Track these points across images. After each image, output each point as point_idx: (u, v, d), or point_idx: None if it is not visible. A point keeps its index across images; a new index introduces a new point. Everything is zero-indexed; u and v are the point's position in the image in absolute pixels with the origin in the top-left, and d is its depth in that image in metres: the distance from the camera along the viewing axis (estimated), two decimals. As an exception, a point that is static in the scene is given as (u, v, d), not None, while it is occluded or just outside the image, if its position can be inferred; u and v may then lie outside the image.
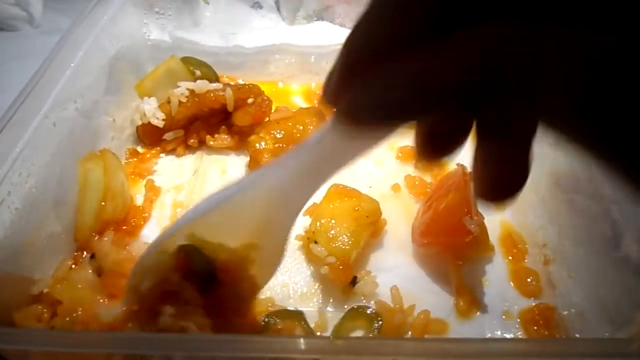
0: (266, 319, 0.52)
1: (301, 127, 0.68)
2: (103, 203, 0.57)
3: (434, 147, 0.25)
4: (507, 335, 0.53)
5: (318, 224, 0.56)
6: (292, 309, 0.54)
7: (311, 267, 0.58)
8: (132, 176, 0.68)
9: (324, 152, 0.31)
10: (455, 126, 0.23)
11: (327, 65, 0.91)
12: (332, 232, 0.56)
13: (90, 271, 0.50)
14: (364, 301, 0.55)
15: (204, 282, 0.45)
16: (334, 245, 0.55)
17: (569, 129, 0.19)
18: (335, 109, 0.22)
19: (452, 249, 0.59)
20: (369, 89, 0.20)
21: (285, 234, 0.41)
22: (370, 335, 0.51)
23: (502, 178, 0.24)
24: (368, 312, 0.53)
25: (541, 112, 0.19)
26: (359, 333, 0.52)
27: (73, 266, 0.55)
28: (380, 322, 0.52)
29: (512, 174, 0.24)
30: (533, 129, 0.22)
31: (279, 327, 0.51)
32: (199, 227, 0.41)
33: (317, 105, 0.77)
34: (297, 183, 0.35)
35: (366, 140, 0.28)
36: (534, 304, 0.56)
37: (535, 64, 0.17)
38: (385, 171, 0.70)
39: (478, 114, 0.21)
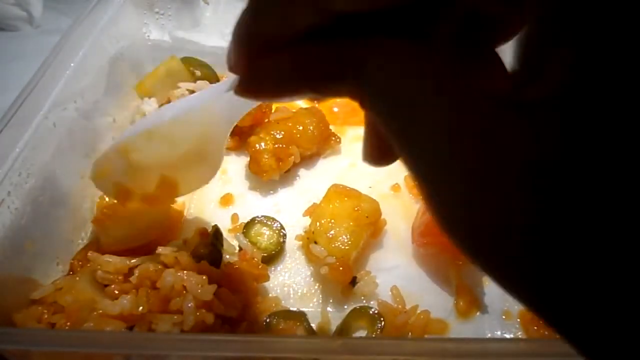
0: (268, 320, 0.52)
1: (301, 127, 0.68)
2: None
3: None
4: (507, 335, 0.53)
5: (318, 224, 0.56)
6: (293, 309, 0.54)
7: (311, 267, 0.58)
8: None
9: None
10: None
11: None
12: (332, 232, 0.56)
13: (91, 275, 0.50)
14: (364, 301, 0.55)
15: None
16: (333, 245, 0.55)
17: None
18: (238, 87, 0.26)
19: (452, 249, 0.58)
20: (259, 73, 0.24)
21: (222, 142, 0.50)
22: (373, 336, 0.51)
23: (380, 150, 0.28)
24: (370, 312, 0.53)
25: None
26: (361, 333, 0.52)
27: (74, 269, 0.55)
28: (383, 323, 0.52)
29: (383, 153, 0.28)
30: None
31: (281, 327, 0.51)
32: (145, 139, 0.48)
33: (317, 105, 0.77)
34: (226, 105, 0.43)
35: None
36: (534, 304, 0.56)
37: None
38: (385, 171, 0.70)
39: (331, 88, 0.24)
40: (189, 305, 0.45)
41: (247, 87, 0.25)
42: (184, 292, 0.46)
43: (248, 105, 0.44)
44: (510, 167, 0.17)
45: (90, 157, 0.63)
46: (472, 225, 0.18)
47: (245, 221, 0.62)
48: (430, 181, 0.20)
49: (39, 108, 0.53)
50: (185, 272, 0.47)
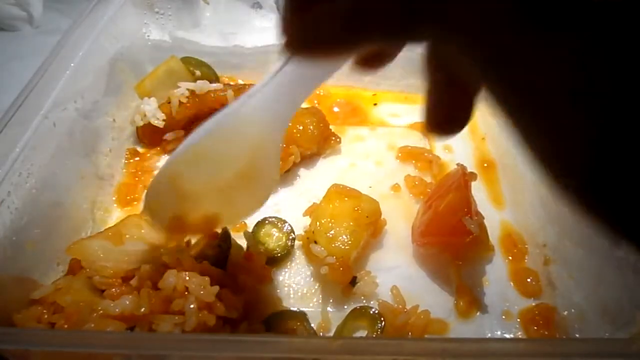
0: (268, 320, 0.52)
1: (301, 127, 0.68)
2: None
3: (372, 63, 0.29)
4: (507, 335, 0.53)
5: (318, 224, 0.56)
6: (294, 309, 0.54)
7: (311, 267, 0.58)
8: (134, 176, 0.68)
9: (291, 78, 0.35)
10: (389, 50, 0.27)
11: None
12: (332, 232, 0.56)
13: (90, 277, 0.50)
14: (364, 301, 0.55)
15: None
16: (333, 245, 0.55)
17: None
18: (289, 43, 0.24)
19: (452, 249, 0.59)
20: (314, 22, 0.23)
21: (277, 149, 0.44)
22: (374, 336, 0.51)
23: (449, 116, 0.27)
24: (370, 312, 0.53)
25: (454, 30, 0.21)
26: (361, 333, 0.52)
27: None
28: (383, 323, 0.52)
29: (457, 113, 0.27)
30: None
31: (282, 327, 0.51)
32: (191, 161, 0.42)
33: (317, 105, 0.78)
34: (275, 105, 0.38)
35: (325, 67, 0.33)
36: (534, 304, 0.56)
37: None
38: (385, 171, 0.70)
39: (406, 37, 0.23)
40: (191, 306, 0.45)
41: (302, 39, 0.23)
42: (186, 293, 0.46)
43: (298, 98, 0.39)
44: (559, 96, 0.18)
45: (90, 157, 0.63)
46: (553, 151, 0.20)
47: (246, 221, 0.62)
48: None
49: (39, 108, 0.53)
50: (187, 273, 0.47)
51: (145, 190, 0.48)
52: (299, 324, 0.52)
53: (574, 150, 0.19)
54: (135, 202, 0.65)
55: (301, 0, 0.23)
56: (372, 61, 0.30)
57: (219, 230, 0.54)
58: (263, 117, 0.39)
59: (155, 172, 0.67)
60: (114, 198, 0.65)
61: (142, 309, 0.45)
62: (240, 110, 0.38)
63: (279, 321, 0.52)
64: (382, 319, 0.52)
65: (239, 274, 0.52)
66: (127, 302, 0.45)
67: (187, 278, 0.47)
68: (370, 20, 0.21)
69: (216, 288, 0.47)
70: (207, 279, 0.48)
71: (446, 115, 0.27)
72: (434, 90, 0.26)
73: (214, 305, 0.47)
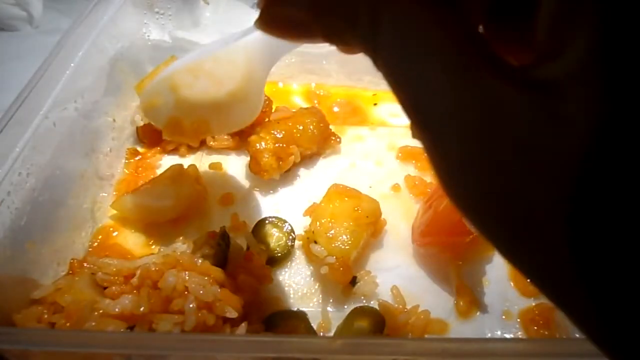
0: (269, 319, 0.52)
1: (301, 127, 0.68)
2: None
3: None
4: (507, 335, 0.53)
5: (318, 224, 0.56)
6: (294, 309, 0.54)
7: (311, 267, 0.58)
8: (134, 176, 0.68)
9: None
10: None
11: (327, 65, 0.91)
12: (332, 232, 0.56)
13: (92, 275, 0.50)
14: (364, 301, 0.55)
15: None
16: (333, 245, 0.55)
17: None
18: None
19: (452, 249, 0.59)
20: (277, 12, 0.25)
21: (262, 83, 0.53)
22: (374, 336, 0.51)
23: None
24: (371, 312, 0.53)
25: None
26: (361, 333, 0.52)
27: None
28: (383, 323, 0.52)
29: None
30: None
31: (282, 327, 0.51)
32: (186, 74, 0.50)
33: (317, 105, 0.78)
34: (263, 46, 0.48)
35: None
36: (534, 304, 0.56)
37: None
38: (385, 171, 0.70)
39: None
40: (190, 305, 0.45)
41: (266, 24, 0.25)
42: (186, 292, 0.46)
43: (285, 48, 0.49)
44: (532, 152, 0.16)
45: (90, 157, 0.63)
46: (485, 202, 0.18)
47: (246, 221, 0.62)
48: (444, 162, 0.19)
49: (39, 108, 0.53)
50: (187, 272, 0.47)
51: (144, 88, 0.55)
52: (299, 323, 0.52)
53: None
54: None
55: None
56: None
57: (217, 230, 0.55)
58: (254, 52, 0.48)
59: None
60: (114, 197, 0.65)
61: (142, 308, 0.45)
62: (236, 44, 0.47)
63: (279, 321, 0.52)
64: (382, 319, 0.52)
65: (239, 274, 0.52)
66: (127, 302, 0.45)
67: (187, 277, 0.47)
68: (323, 21, 0.23)
69: (216, 288, 0.47)
70: (207, 278, 0.48)
71: None
72: None
73: (214, 305, 0.47)
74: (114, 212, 0.63)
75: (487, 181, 0.17)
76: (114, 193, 0.66)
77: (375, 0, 0.20)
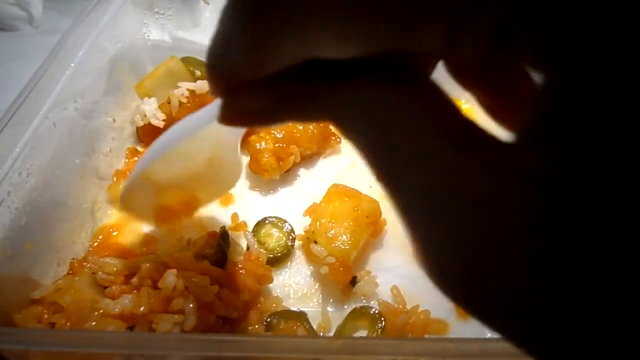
0: (269, 319, 0.52)
1: (301, 127, 0.68)
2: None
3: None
4: (507, 335, 0.53)
5: (318, 224, 0.56)
6: (294, 309, 0.54)
7: (311, 267, 0.58)
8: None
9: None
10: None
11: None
12: (332, 232, 0.56)
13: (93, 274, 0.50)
14: (364, 301, 0.55)
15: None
16: (333, 245, 0.55)
17: None
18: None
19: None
20: (238, 106, 0.24)
21: (236, 144, 0.52)
22: (374, 336, 0.51)
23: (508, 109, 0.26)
24: (371, 312, 0.53)
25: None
26: (361, 333, 0.52)
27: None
28: (383, 323, 0.52)
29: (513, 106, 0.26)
30: None
31: (282, 327, 0.51)
32: (156, 168, 0.50)
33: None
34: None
35: None
36: (534, 304, 0.56)
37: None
38: (385, 171, 0.70)
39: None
40: (190, 305, 0.45)
41: (229, 119, 0.25)
42: (186, 292, 0.46)
43: None
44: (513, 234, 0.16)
45: (90, 157, 0.63)
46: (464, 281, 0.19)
47: (246, 220, 0.62)
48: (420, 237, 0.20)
49: (39, 108, 0.53)
50: (187, 272, 0.47)
51: (120, 193, 0.54)
52: (299, 323, 0.52)
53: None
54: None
55: (224, 82, 0.23)
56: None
57: (217, 230, 0.55)
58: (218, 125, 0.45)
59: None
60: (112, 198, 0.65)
61: (142, 308, 0.45)
62: (195, 119, 0.43)
63: (279, 321, 0.52)
64: (383, 319, 0.52)
65: (239, 274, 0.52)
66: (127, 302, 0.45)
67: (187, 277, 0.47)
68: (288, 109, 0.23)
69: (216, 287, 0.47)
70: (207, 278, 0.48)
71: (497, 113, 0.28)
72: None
73: (214, 304, 0.47)
74: (114, 212, 0.64)
75: (457, 257, 0.18)
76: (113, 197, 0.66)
77: (337, 92, 0.20)
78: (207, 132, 0.46)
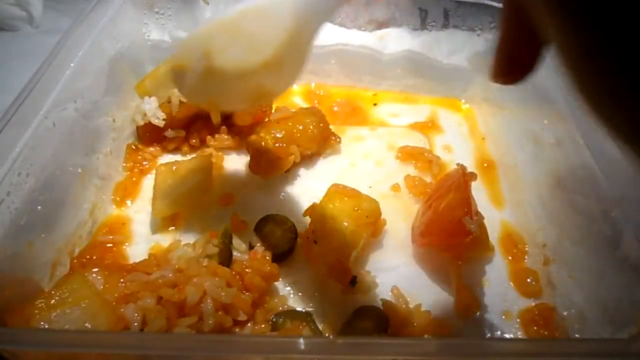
0: (274, 319, 0.52)
1: (301, 127, 0.68)
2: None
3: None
4: (507, 335, 0.53)
5: (318, 223, 0.56)
6: (297, 309, 0.54)
7: (311, 267, 0.58)
8: (134, 176, 0.68)
9: None
10: None
11: (327, 65, 0.91)
12: (332, 232, 0.55)
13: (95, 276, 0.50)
14: (364, 301, 0.55)
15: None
16: (333, 245, 0.55)
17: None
18: None
19: (452, 249, 0.59)
20: None
21: (306, 43, 0.42)
22: (374, 336, 0.51)
23: (514, 62, 0.30)
24: (375, 312, 0.53)
25: None
26: (366, 333, 0.52)
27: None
28: (387, 322, 0.52)
29: (523, 61, 0.30)
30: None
31: (287, 327, 0.51)
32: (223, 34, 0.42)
33: (317, 105, 0.78)
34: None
35: None
36: (534, 304, 0.56)
37: None
38: (385, 171, 0.70)
39: None
40: (209, 307, 0.46)
41: None
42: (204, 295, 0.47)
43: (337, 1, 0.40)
44: None
45: (90, 157, 0.63)
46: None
47: (246, 220, 0.62)
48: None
49: (39, 108, 0.53)
50: (204, 277, 0.48)
51: (171, 64, 0.47)
52: (304, 324, 0.52)
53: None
54: (134, 202, 0.65)
55: None
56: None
57: (219, 229, 0.55)
58: (302, 5, 0.39)
59: (158, 164, 0.68)
60: (112, 198, 0.65)
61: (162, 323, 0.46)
62: None
63: (284, 321, 0.52)
64: (387, 318, 0.52)
65: (245, 273, 0.52)
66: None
67: (204, 282, 0.48)
68: None
69: (233, 289, 0.48)
70: (223, 280, 0.48)
71: (513, 59, 0.30)
72: (506, 34, 0.29)
73: (230, 306, 0.47)
74: (114, 212, 0.64)
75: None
76: (113, 197, 0.66)
77: None
78: (285, 16, 0.40)
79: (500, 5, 0.31)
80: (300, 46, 0.42)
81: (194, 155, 0.71)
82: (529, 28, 0.25)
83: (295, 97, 0.81)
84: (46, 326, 0.44)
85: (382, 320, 0.52)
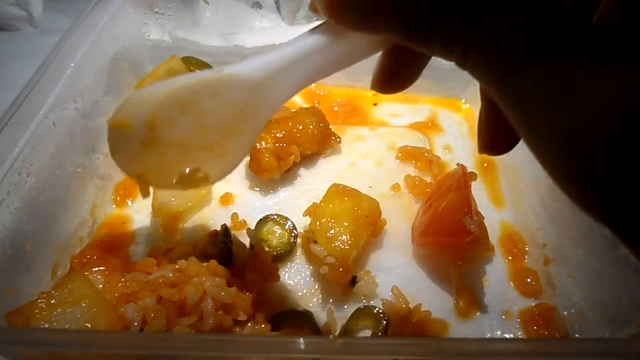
0: (274, 319, 0.52)
1: (301, 127, 0.68)
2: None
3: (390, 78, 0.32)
4: (507, 335, 0.53)
5: (318, 223, 0.56)
6: (297, 309, 0.54)
7: (311, 267, 0.58)
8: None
9: (315, 46, 0.34)
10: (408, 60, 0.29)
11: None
12: (332, 232, 0.56)
13: (96, 275, 0.50)
14: (364, 301, 0.55)
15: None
16: (333, 245, 0.55)
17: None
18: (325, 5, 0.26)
19: (452, 249, 0.59)
20: None
21: (256, 130, 0.40)
22: (379, 335, 0.51)
23: (499, 136, 0.30)
24: (375, 312, 0.53)
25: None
26: (365, 333, 0.52)
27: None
28: (387, 322, 0.52)
29: (507, 133, 0.29)
30: None
31: (287, 327, 0.51)
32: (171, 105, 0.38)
33: (317, 105, 0.78)
34: (284, 74, 0.36)
35: (356, 43, 0.33)
36: (534, 304, 0.56)
37: None
38: (385, 171, 0.70)
39: (428, 38, 0.25)
40: (209, 307, 0.46)
41: (338, 6, 0.26)
42: (204, 295, 0.47)
43: (313, 75, 0.36)
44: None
45: (90, 157, 0.63)
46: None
47: (246, 220, 0.62)
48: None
49: (39, 108, 0.53)
50: (204, 277, 0.48)
51: (111, 121, 0.42)
52: (305, 324, 0.52)
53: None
54: (135, 201, 0.65)
55: None
56: (394, 79, 0.32)
57: (219, 229, 0.55)
58: (264, 92, 0.36)
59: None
60: (113, 197, 0.65)
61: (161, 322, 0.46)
62: (251, 63, 0.35)
63: (285, 321, 0.52)
64: (387, 318, 0.52)
65: (246, 273, 0.52)
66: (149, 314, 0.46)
67: (204, 282, 0.48)
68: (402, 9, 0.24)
69: (234, 289, 0.48)
70: (223, 280, 0.48)
71: (499, 135, 0.30)
72: (487, 114, 0.30)
73: (230, 306, 0.47)
74: (114, 211, 0.64)
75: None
76: (112, 197, 0.66)
77: None
78: (241, 96, 0.36)
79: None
80: (249, 134, 0.39)
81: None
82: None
83: (295, 97, 0.81)
84: (46, 326, 0.44)
85: (382, 321, 0.52)
